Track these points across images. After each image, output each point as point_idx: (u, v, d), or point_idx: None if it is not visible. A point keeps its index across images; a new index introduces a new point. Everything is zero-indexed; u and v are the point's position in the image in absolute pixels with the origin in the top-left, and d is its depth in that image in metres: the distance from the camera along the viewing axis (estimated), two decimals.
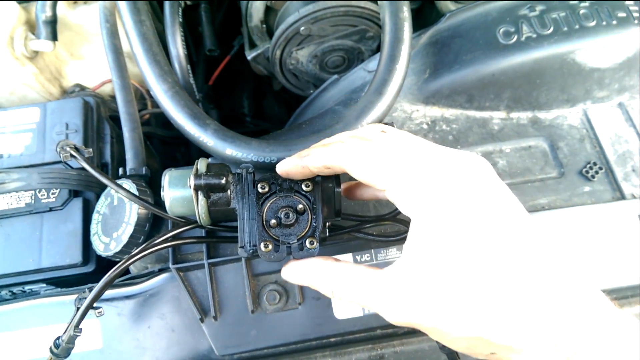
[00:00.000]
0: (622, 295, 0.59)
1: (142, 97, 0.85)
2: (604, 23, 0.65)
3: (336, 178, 0.47)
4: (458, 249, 0.35)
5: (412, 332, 0.57)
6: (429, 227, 0.36)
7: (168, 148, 0.94)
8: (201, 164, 0.47)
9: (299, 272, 0.45)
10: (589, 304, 0.34)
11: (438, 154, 0.39)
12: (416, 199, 0.37)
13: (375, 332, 0.57)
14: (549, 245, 0.35)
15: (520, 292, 0.33)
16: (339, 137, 0.46)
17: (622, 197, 0.62)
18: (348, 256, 0.58)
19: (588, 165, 0.64)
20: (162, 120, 0.90)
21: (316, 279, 0.43)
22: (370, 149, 0.40)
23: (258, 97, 1.20)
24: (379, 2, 0.66)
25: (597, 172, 0.64)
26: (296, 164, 0.45)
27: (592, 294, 0.34)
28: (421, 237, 0.37)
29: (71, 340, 0.47)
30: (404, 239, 0.56)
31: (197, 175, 0.45)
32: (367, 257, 0.58)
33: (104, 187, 0.63)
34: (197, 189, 0.45)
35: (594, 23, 0.65)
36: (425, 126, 0.67)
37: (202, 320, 0.56)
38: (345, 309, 0.57)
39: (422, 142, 0.41)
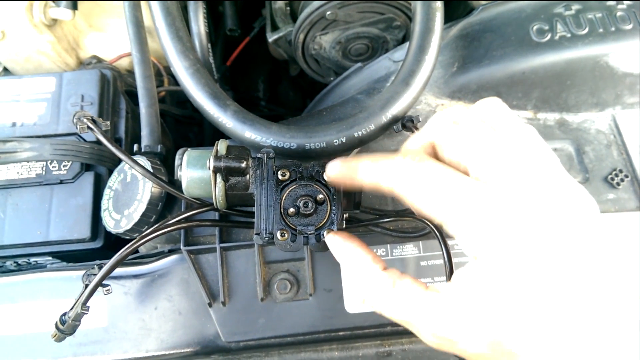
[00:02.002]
0: None
1: (159, 74, 0.83)
2: None
3: None
4: (534, 296, 0.31)
5: None
6: (497, 267, 0.33)
7: (181, 127, 0.92)
8: (221, 146, 0.45)
9: (339, 249, 0.42)
10: None
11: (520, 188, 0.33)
12: (486, 242, 0.33)
13: (386, 328, 0.56)
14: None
15: None
16: (392, 159, 0.40)
17: None
18: None
19: (614, 172, 0.62)
20: (177, 98, 0.89)
21: (352, 271, 0.40)
22: (430, 179, 0.35)
23: (273, 82, 1.18)
24: None
25: (622, 180, 0.62)
26: (345, 175, 0.42)
27: None
28: (487, 273, 0.33)
29: (78, 318, 0.46)
30: (422, 236, 0.56)
31: (217, 157, 0.43)
32: (383, 251, 0.56)
33: (117, 162, 0.61)
34: (216, 171, 0.43)
35: (630, 26, 0.63)
36: None
37: (210, 304, 0.55)
38: (357, 303, 0.55)
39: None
